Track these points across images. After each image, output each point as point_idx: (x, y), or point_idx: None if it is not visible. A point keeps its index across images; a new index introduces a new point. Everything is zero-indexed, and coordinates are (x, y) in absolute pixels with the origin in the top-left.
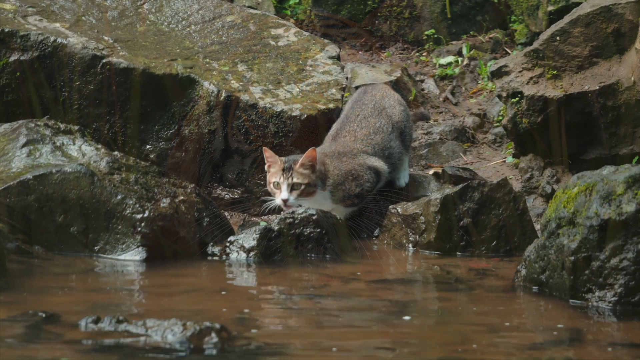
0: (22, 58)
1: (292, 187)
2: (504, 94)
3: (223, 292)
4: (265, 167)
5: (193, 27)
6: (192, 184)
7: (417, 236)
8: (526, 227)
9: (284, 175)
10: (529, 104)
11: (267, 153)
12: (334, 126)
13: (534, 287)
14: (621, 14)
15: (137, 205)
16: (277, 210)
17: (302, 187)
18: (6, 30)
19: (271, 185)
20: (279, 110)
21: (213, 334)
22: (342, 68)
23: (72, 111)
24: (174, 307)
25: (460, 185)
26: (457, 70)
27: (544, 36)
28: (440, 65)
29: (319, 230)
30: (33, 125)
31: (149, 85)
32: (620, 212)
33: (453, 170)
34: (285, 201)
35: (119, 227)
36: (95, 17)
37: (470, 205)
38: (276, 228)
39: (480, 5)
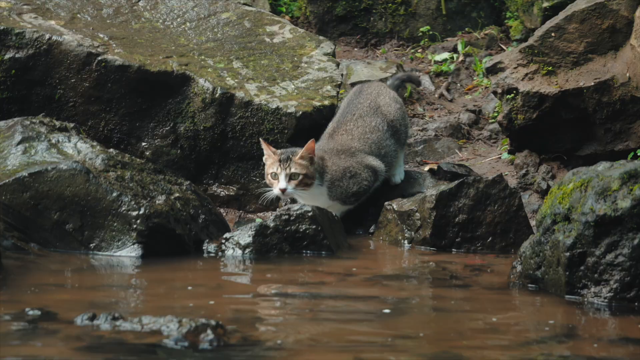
0: (17, 56)
1: (290, 177)
2: (499, 91)
3: (219, 289)
4: (264, 159)
5: (188, 24)
6: (188, 181)
7: (413, 232)
8: (521, 223)
9: (282, 165)
10: (524, 100)
11: (265, 146)
12: (330, 124)
13: (530, 283)
14: (616, 10)
15: (133, 203)
16: (275, 201)
17: (300, 177)
18: (1, 28)
19: (269, 176)
20: (274, 107)
21: (209, 331)
22: (338, 65)
23: (68, 108)
24: (169, 303)
25: (456, 182)
26: (452, 66)
27: (539, 32)
28: (436, 62)
29: (314, 226)
30: (28, 122)
31: (144, 83)
32: (615, 208)
33: (448, 167)
34: (283, 190)
35: (115, 224)
36: (91, 15)
37: (466, 201)
38: (272, 225)
39: (476, 1)
